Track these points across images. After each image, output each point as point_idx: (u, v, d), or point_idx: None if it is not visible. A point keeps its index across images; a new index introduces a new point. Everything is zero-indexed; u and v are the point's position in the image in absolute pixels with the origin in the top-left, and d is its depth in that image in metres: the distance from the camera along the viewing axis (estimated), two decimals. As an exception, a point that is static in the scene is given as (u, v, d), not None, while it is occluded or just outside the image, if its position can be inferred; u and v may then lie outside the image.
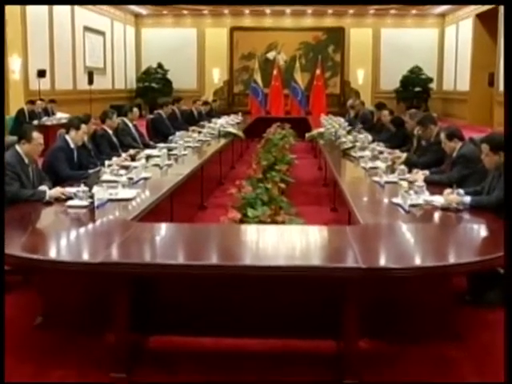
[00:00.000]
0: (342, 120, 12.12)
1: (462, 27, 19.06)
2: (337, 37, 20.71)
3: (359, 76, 20.95)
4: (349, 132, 9.49)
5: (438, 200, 4.09)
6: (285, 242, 3.19)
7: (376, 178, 5.16)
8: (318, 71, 18.41)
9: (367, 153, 6.82)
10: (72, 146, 5.40)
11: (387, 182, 5.00)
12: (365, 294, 2.82)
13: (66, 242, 3.27)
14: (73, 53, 16.93)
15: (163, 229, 3.62)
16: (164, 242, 3.31)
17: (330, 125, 10.96)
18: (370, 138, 8.38)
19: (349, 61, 20.89)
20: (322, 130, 9.90)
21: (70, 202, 4.07)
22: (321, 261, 2.95)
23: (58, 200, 4.18)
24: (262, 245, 3.21)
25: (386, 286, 3.12)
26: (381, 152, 6.81)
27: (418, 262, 2.94)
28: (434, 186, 4.56)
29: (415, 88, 20.02)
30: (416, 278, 2.96)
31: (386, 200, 4.44)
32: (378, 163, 5.99)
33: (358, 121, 11.09)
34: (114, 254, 2.96)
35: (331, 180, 7.00)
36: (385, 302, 3.20)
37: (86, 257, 2.99)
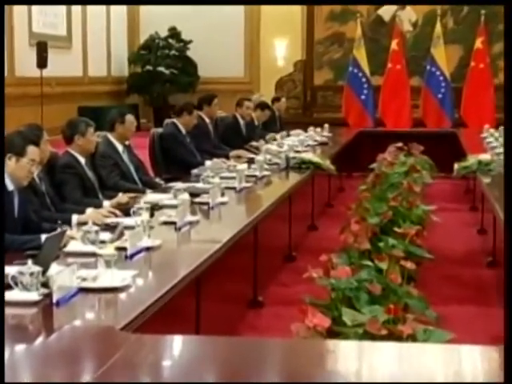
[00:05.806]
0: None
1: None
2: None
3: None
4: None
5: None
6: (415, 376, 3.19)
7: None
8: (478, 42, 18.36)
9: None
10: (11, 187, 5.54)
11: None
12: None
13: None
14: (8, 9, 17.36)
15: (181, 346, 3.68)
16: (182, 373, 3.35)
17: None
18: None
19: (538, 22, 20.89)
20: (486, 156, 9.85)
21: (7, 295, 4.17)
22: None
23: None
24: (369, 379, 3.21)
25: None
26: None
27: None
28: None
29: None
30: None
31: None
32: None
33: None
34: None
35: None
36: None
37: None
